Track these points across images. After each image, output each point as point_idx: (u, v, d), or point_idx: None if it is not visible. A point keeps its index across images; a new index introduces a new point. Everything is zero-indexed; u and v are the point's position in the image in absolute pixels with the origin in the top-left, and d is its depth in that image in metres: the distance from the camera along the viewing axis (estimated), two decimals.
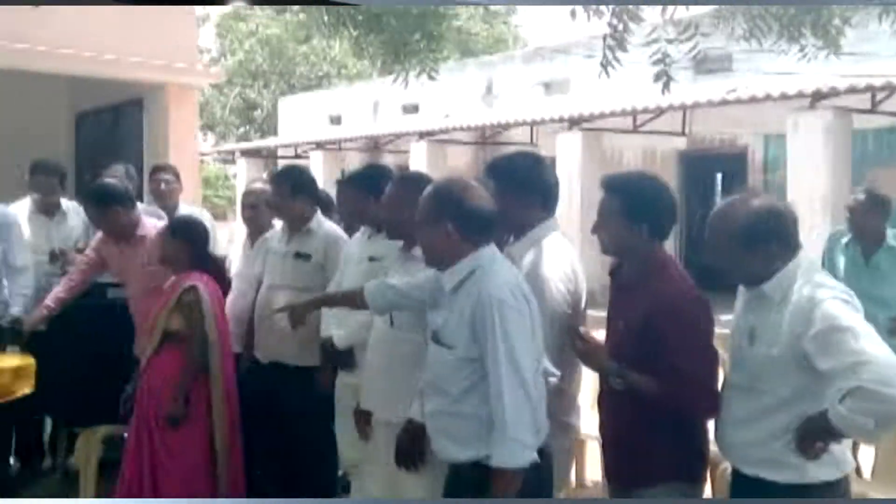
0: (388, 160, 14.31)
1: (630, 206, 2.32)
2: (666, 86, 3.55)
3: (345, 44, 24.53)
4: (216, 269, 3.65)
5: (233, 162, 20.82)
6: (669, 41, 3.57)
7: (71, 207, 4.48)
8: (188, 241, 3.53)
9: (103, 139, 8.06)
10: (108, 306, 4.02)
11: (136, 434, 3.41)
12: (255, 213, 4.05)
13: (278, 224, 3.89)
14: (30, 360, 3.73)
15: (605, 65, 3.65)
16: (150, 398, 3.39)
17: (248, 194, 4.17)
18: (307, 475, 3.59)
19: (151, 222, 4.00)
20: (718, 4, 3.88)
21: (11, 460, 4.30)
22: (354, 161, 16.27)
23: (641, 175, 2.49)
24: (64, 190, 4.55)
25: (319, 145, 16.60)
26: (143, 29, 6.56)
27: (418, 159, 13.95)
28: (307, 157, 16.64)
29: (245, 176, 17.37)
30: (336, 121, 19.99)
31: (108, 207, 3.82)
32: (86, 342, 3.85)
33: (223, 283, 3.66)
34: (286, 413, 3.54)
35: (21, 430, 4.30)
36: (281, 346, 3.60)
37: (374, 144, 16.48)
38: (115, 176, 4.45)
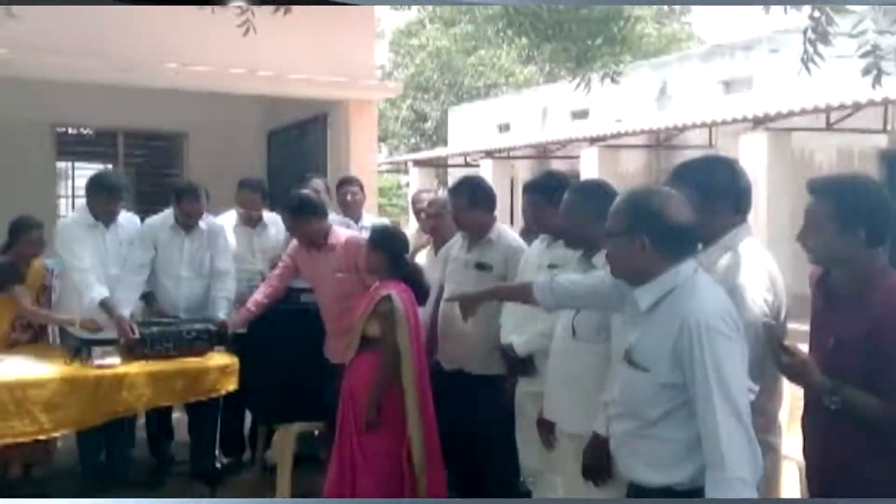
0: (558, 167, 14.21)
1: (844, 211, 2.12)
2: (877, 79, 3.24)
3: (512, 52, 24.77)
4: (414, 278, 3.74)
5: (405, 172, 21.52)
6: (880, 32, 3.26)
7: (271, 219, 4.80)
8: (386, 250, 3.65)
9: (291, 154, 8.59)
10: (301, 310, 4.26)
11: (340, 434, 3.57)
12: (439, 222, 4.14)
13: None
14: (233, 360, 4.04)
15: (805, 61, 3.38)
16: (350, 401, 3.55)
17: (432, 203, 4.27)
18: (488, 482, 3.61)
19: (341, 231, 4.20)
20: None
21: (217, 452, 4.66)
22: (524, 168, 16.32)
23: (855, 177, 2.27)
24: (265, 204, 4.88)
25: (489, 153, 16.78)
26: (327, 48, 6.94)
27: (589, 165, 13.74)
28: (477, 166, 16.88)
29: (417, 185, 17.89)
30: (505, 129, 20.14)
31: (303, 217, 4.04)
32: (282, 344, 4.09)
33: (421, 291, 3.73)
34: (468, 420, 3.59)
35: (225, 424, 4.66)
36: (464, 354, 3.66)
37: (544, 151, 16.42)
38: (315, 189, 4.71)
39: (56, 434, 3.86)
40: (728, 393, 1.93)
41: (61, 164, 8.95)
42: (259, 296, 4.22)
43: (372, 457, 3.47)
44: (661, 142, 14.33)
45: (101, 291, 4.08)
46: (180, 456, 4.60)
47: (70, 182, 9.32)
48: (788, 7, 3.40)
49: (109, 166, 10.69)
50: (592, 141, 13.98)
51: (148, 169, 9.03)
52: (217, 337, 4.12)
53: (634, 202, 2.15)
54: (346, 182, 5.16)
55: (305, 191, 4.42)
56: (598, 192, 2.87)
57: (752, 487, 1.93)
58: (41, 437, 3.70)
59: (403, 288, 3.59)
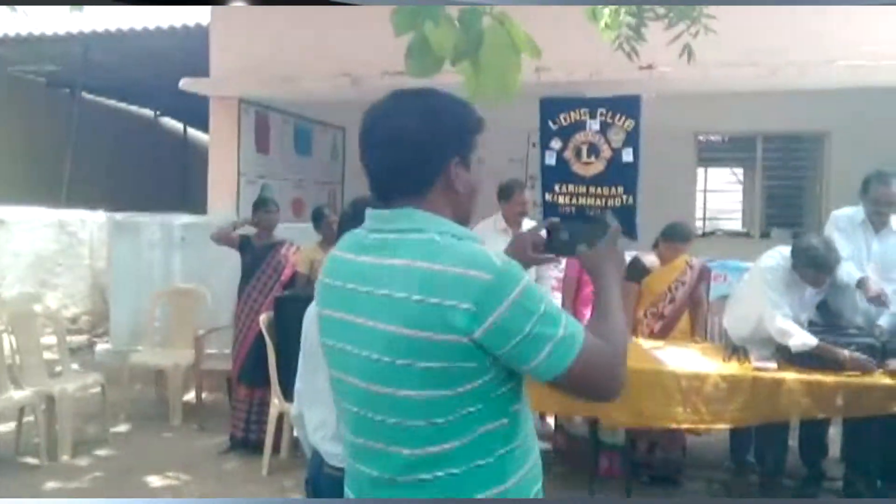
0: None
1: None
2: None
3: None
4: None
5: None
6: None
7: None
8: None
9: None
10: None
11: None
12: None
13: None
14: None
15: None
16: None
17: None
18: None
19: None
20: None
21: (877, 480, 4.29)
22: None
23: None
24: None
25: None
26: None
27: None
28: None
29: None
30: None
31: None
32: None
33: None
34: None
35: (887, 452, 4.23)
36: None
37: None
38: None
39: (711, 427, 4.09)
40: None
41: (699, 169, 9.47)
42: None
43: None
44: None
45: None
46: (832, 472, 4.40)
47: (703, 185, 9.81)
48: None
49: (740, 171, 10.96)
50: None
51: (784, 172, 8.95)
52: (881, 354, 3.81)
53: None
54: None
55: None
56: None
57: None
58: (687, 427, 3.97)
59: None
